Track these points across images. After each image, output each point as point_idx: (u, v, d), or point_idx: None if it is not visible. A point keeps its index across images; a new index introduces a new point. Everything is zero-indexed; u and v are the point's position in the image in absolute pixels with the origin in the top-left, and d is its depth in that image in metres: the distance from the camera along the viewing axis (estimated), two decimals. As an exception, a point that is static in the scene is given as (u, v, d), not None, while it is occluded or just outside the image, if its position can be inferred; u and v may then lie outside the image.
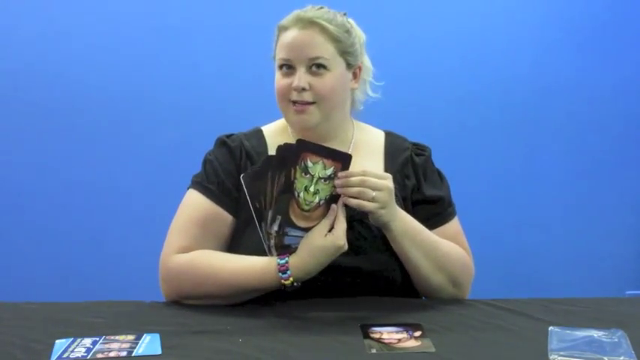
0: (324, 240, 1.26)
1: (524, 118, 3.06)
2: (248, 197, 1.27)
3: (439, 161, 1.56)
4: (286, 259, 1.27)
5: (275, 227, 1.28)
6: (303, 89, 1.38)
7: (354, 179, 1.27)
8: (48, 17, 2.76)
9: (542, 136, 3.08)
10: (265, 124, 1.55)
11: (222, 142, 1.49)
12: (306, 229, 1.28)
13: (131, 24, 2.80)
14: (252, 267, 1.30)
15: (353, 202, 1.27)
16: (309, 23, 1.40)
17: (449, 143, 2.50)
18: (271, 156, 1.30)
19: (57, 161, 2.78)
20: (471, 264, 1.47)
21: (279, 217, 1.27)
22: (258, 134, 1.51)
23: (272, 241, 1.29)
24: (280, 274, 1.27)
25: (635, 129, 3.13)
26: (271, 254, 1.30)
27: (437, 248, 1.39)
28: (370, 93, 1.53)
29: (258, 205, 1.27)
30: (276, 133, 1.49)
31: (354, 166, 1.30)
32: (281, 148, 1.27)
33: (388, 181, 1.30)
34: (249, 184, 1.27)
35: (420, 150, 1.53)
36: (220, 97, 2.82)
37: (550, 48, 3.05)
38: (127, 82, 2.80)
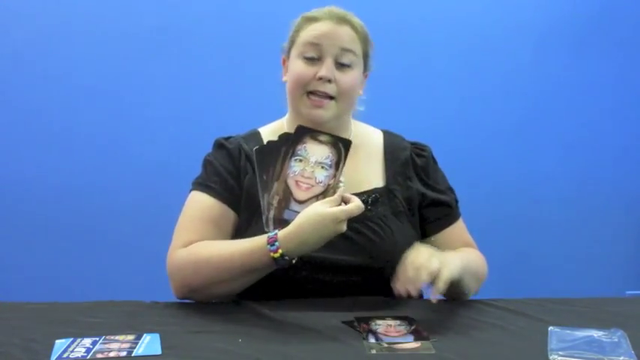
0: (323, 209, 1.21)
1: (524, 118, 3.06)
2: (256, 169, 1.26)
3: (439, 161, 1.56)
4: (276, 231, 1.25)
5: (277, 199, 1.26)
6: (329, 80, 1.37)
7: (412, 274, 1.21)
8: (48, 18, 2.76)
9: (542, 135, 3.08)
10: (262, 125, 1.55)
11: (221, 145, 1.49)
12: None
13: (131, 26, 2.80)
14: (245, 246, 1.29)
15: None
16: (343, 20, 1.41)
17: (448, 143, 2.50)
18: (288, 133, 1.28)
19: (57, 162, 2.78)
20: (485, 260, 1.50)
21: (282, 189, 1.26)
22: (256, 136, 1.51)
23: (272, 212, 1.26)
24: (269, 246, 1.23)
25: (635, 129, 3.14)
26: (268, 227, 1.27)
27: (475, 264, 1.42)
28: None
29: (265, 177, 1.26)
30: (273, 134, 1.48)
31: (353, 166, 1.29)
32: (298, 127, 1.27)
33: (444, 275, 1.21)
34: (261, 158, 1.26)
35: (420, 150, 1.53)
36: (220, 99, 2.82)
37: (550, 48, 3.05)
38: (134, 83, 2.81)
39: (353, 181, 1.40)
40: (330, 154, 1.26)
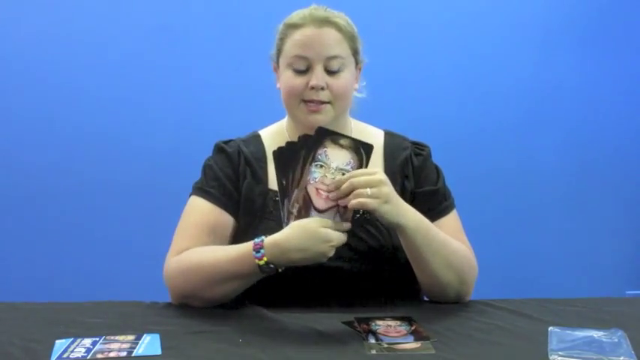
0: (317, 227, 1.20)
1: (524, 118, 3.06)
2: (276, 172, 1.23)
3: (439, 161, 1.56)
4: (262, 237, 1.23)
5: (297, 207, 1.22)
6: (322, 88, 1.36)
7: (344, 187, 1.21)
8: (48, 19, 2.76)
9: (542, 135, 3.08)
10: (262, 127, 1.55)
11: (220, 149, 1.49)
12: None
13: (130, 29, 2.80)
14: (232, 252, 1.28)
15: (353, 202, 1.21)
16: (325, 22, 1.39)
17: (449, 143, 2.50)
18: (307, 135, 1.24)
19: (57, 162, 2.78)
20: (475, 262, 1.43)
21: (302, 197, 1.22)
22: (256, 139, 1.50)
23: (291, 221, 1.23)
24: (254, 252, 1.22)
25: (635, 129, 3.14)
26: None
27: (447, 245, 1.35)
28: (355, 93, 1.51)
29: (284, 182, 1.22)
30: (273, 137, 1.49)
31: None
32: (318, 129, 1.23)
33: (379, 175, 1.24)
34: (280, 161, 1.23)
35: (419, 149, 1.52)
36: (222, 101, 2.83)
37: (550, 48, 3.06)
38: (134, 84, 2.81)
39: None
40: (352, 160, 1.23)
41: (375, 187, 1.22)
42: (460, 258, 1.38)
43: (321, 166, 1.22)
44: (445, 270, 1.34)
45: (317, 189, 1.22)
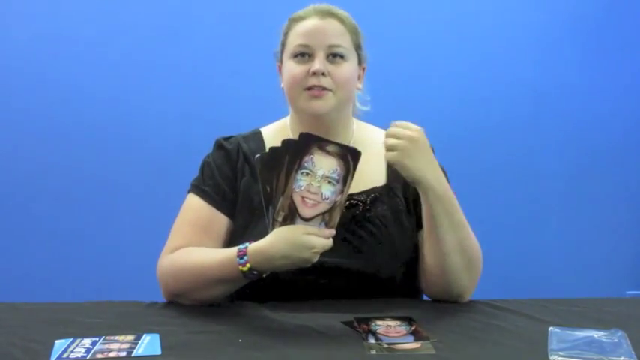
0: (300, 235, 1.19)
1: (526, 118, 3.06)
2: (259, 179, 1.21)
3: (441, 161, 1.55)
4: (247, 244, 1.24)
5: (282, 215, 1.20)
6: (323, 74, 1.36)
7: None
8: (48, 19, 2.76)
9: (542, 136, 3.08)
10: (264, 125, 1.55)
11: (220, 145, 1.49)
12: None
13: (131, 27, 2.80)
14: (218, 257, 1.29)
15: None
16: (328, 14, 1.41)
17: (448, 143, 2.49)
18: (290, 140, 1.20)
19: (57, 162, 2.78)
20: (481, 259, 1.42)
21: (288, 206, 1.20)
22: (257, 136, 1.50)
23: (275, 228, 1.22)
24: (238, 259, 1.23)
25: (635, 129, 3.14)
26: None
27: (464, 226, 1.35)
28: (359, 105, 1.52)
29: (268, 189, 1.20)
30: (275, 134, 1.49)
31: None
32: (302, 135, 1.20)
33: (412, 132, 1.29)
34: (263, 167, 1.20)
35: None
36: (222, 98, 2.82)
37: (550, 49, 3.06)
38: (133, 84, 2.81)
39: (353, 181, 1.40)
40: (338, 168, 1.20)
41: (401, 140, 1.28)
42: (472, 246, 1.37)
43: (307, 174, 1.19)
44: (457, 252, 1.33)
45: (302, 197, 1.20)
